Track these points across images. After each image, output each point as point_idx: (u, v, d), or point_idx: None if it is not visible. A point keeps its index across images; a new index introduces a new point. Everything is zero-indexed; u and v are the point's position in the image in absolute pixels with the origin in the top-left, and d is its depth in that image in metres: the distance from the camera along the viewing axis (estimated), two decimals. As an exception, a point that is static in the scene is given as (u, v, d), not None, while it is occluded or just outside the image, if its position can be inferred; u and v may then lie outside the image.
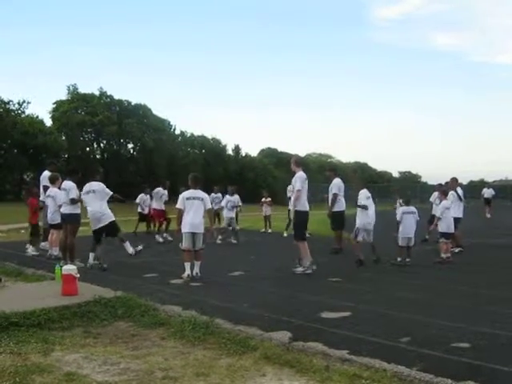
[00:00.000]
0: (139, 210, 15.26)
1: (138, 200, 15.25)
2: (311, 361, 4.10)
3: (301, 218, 8.78)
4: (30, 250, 10.74)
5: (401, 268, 9.25)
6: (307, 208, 8.77)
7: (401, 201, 13.98)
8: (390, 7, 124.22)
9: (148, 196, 14.97)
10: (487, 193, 24.86)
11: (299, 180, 8.68)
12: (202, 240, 8.17)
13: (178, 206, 8.30)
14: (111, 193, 9.05)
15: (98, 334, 4.98)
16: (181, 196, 8.36)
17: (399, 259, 9.62)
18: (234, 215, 14.16)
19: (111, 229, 8.93)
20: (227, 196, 14.50)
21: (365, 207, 9.65)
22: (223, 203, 14.29)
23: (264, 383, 3.72)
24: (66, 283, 6.19)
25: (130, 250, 8.79)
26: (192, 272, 7.95)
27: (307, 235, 9.15)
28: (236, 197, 14.64)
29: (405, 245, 9.69)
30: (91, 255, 8.84)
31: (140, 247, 8.88)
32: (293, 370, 3.96)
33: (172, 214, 12.13)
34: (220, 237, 13.40)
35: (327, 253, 10.89)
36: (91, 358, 4.25)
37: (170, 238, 13.15)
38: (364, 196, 9.89)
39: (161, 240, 13.33)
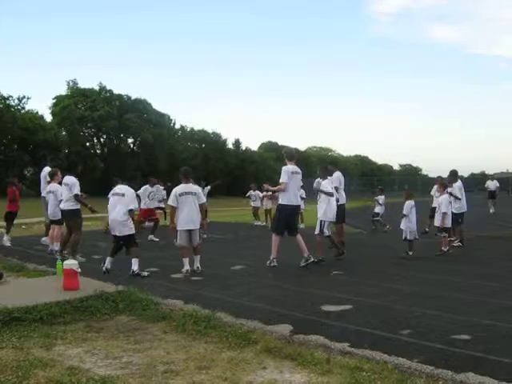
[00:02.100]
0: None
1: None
2: (312, 354, 4.11)
3: (282, 212, 8.55)
4: (5, 238, 11.07)
5: (401, 261, 9.26)
6: (292, 202, 8.47)
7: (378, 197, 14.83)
8: (388, 1, 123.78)
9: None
10: (491, 185, 22.59)
11: (285, 173, 8.38)
12: (198, 235, 8.09)
13: (170, 202, 8.02)
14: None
15: (99, 328, 5.00)
16: (173, 192, 8.04)
17: (411, 253, 9.67)
18: None
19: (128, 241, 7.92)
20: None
21: (330, 194, 8.94)
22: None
23: (265, 376, 3.73)
24: (68, 278, 6.22)
25: (136, 268, 7.66)
26: (192, 266, 7.96)
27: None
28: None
29: (413, 238, 9.76)
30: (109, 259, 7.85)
31: (145, 273, 7.68)
32: (294, 362, 3.97)
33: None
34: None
35: (328, 246, 10.89)
36: (93, 352, 4.27)
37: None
38: (327, 185, 9.11)
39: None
